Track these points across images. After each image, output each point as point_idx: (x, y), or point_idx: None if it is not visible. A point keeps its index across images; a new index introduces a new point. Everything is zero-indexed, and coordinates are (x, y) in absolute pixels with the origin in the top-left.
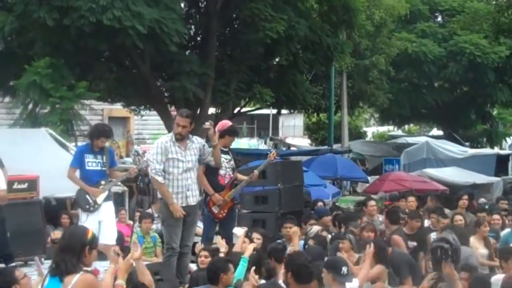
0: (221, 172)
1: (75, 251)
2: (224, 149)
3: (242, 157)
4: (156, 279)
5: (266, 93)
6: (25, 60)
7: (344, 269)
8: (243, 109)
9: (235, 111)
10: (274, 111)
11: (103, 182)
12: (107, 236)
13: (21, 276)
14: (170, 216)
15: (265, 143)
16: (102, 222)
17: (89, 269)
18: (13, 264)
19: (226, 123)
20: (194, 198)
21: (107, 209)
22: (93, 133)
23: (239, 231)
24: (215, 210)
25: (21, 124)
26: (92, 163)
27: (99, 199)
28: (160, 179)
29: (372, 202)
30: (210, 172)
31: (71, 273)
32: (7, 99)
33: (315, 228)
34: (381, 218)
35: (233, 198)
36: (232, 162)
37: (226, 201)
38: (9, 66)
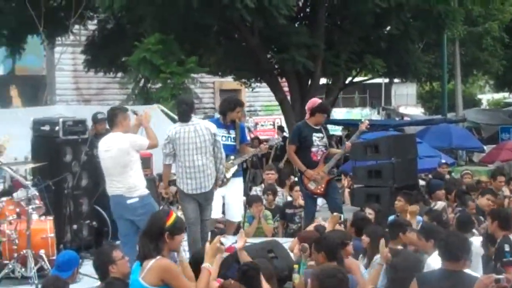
0: (313, 149)
1: (153, 237)
2: (316, 127)
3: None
4: (270, 257)
5: (377, 64)
6: (135, 37)
7: None
8: (355, 79)
9: (347, 81)
10: (386, 80)
11: (232, 157)
12: (232, 213)
13: (119, 256)
14: None
15: (378, 113)
16: (228, 198)
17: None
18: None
19: (315, 101)
20: None
21: (235, 185)
22: (228, 105)
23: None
24: (311, 186)
25: (133, 99)
26: (222, 137)
27: (228, 174)
28: None
29: (502, 178)
30: (301, 149)
31: (148, 258)
32: (119, 75)
33: (440, 204)
34: (506, 192)
35: (330, 171)
36: (324, 139)
37: (322, 176)
38: (120, 42)
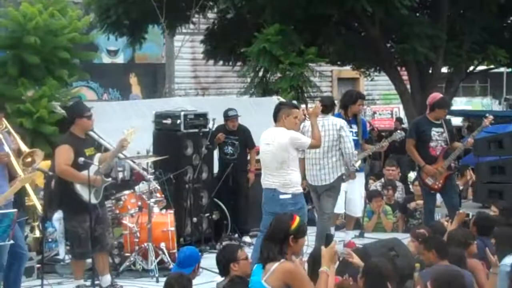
0: (432, 144)
1: (277, 240)
2: (436, 122)
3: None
4: (392, 255)
5: (500, 54)
6: (255, 27)
7: None
8: (477, 69)
9: (468, 71)
10: (509, 69)
11: (355, 152)
12: (353, 208)
13: (243, 257)
14: None
15: (499, 103)
16: (349, 193)
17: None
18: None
19: (436, 95)
20: None
21: (357, 179)
22: (350, 98)
23: None
24: (429, 182)
25: (252, 90)
26: None
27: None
28: None
29: None
30: (420, 144)
31: (272, 261)
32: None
33: None
34: None
35: (449, 167)
36: (445, 134)
37: (441, 172)
38: (239, 33)
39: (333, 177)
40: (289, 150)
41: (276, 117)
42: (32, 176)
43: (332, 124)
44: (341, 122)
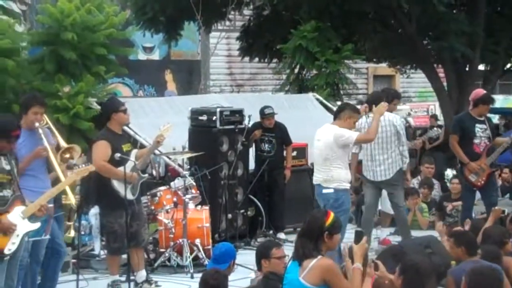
0: (476, 141)
1: (312, 237)
2: (480, 119)
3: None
4: (428, 253)
5: None
6: (291, 24)
7: None
8: None
9: (505, 68)
10: None
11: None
12: (388, 205)
13: (276, 255)
14: None
15: None
16: (384, 190)
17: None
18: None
19: (479, 91)
20: None
21: None
22: (386, 97)
23: None
24: (472, 178)
25: (288, 87)
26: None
27: None
28: None
29: None
30: (463, 141)
31: (308, 258)
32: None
33: None
34: None
35: (492, 164)
36: (488, 131)
37: (484, 169)
38: (275, 29)
39: (393, 172)
40: (333, 147)
41: (338, 114)
42: (88, 169)
43: (389, 120)
44: (397, 118)
